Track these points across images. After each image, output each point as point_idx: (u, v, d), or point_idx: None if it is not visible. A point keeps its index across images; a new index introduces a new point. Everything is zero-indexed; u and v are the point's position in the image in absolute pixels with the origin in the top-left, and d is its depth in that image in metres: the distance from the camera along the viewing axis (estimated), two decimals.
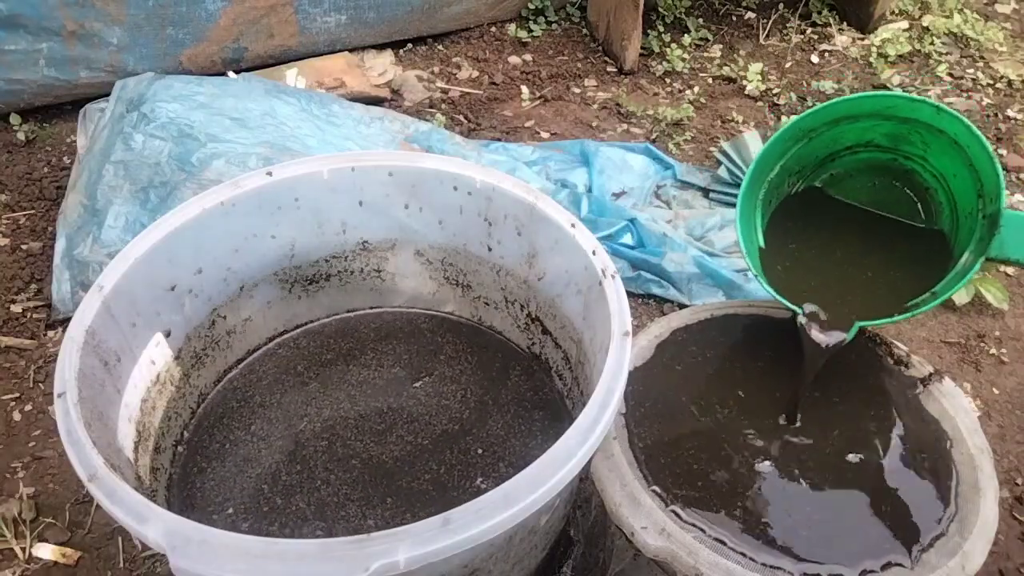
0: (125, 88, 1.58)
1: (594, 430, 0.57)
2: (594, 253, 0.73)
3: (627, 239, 1.58)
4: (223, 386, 0.87)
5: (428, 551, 0.49)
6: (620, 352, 0.63)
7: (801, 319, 0.78)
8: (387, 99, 2.02)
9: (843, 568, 0.68)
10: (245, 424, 0.83)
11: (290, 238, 0.87)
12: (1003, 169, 1.56)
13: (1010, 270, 1.65)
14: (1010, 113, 2.12)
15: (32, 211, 1.67)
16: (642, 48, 2.24)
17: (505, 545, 0.63)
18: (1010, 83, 2.24)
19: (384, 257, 0.93)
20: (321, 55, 2.11)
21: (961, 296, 1.53)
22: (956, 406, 0.82)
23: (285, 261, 0.88)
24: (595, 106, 2.08)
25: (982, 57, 2.37)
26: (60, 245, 1.43)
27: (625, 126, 2.01)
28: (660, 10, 2.39)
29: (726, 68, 2.24)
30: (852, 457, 0.77)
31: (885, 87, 2.22)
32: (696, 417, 0.81)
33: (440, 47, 2.26)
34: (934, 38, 2.42)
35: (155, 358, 0.76)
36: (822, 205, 0.85)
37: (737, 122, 2.06)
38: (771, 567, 0.68)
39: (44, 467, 1.22)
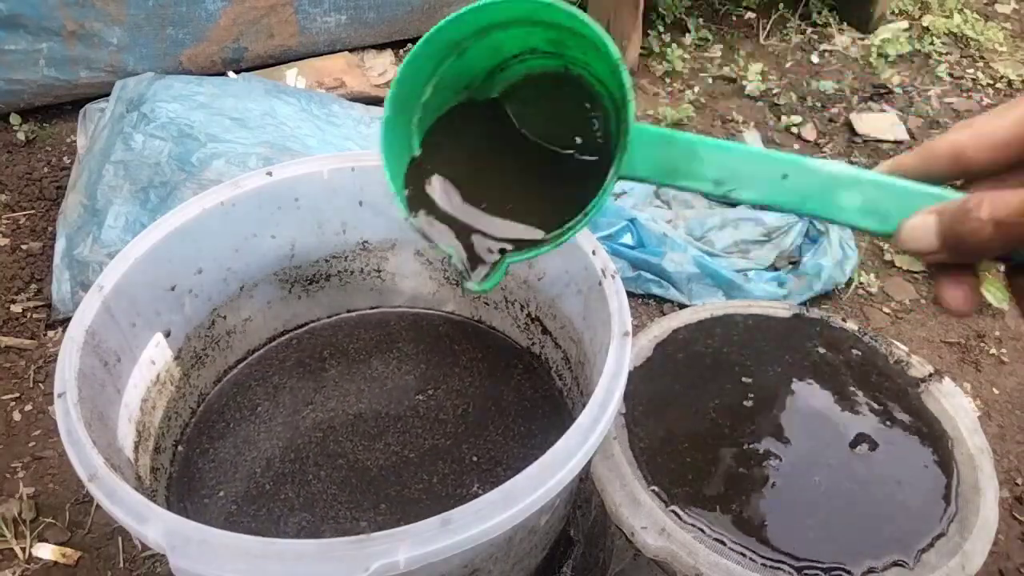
0: (125, 88, 1.58)
1: (594, 430, 0.57)
2: (594, 253, 0.73)
3: (627, 239, 1.58)
4: (223, 386, 0.87)
5: (428, 551, 0.49)
6: (620, 352, 0.63)
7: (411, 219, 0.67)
8: None
9: (843, 567, 0.68)
10: (245, 424, 0.83)
11: (290, 238, 0.87)
12: None
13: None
14: None
15: (32, 211, 1.68)
16: (642, 48, 2.24)
17: (505, 545, 0.63)
18: (1010, 83, 2.25)
19: (384, 257, 0.93)
20: (321, 55, 2.11)
21: None
22: (956, 406, 0.82)
23: (285, 261, 0.88)
24: None
25: (982, 57, 2.37)
26: (60, 245, 1.44)
27: None
28: (660, 10, 2.39)
29: (726, 68, 2.24)
30: (852, 457, 0.77)
31: (885, 87, 2.22)
32: (696, 417, 0.81)
33: None
34: (934, 38, 2.43)
35: (155, 358, 0.76)
36: (487, 119, 0.71)
37: (737, 122, 2.06)
38: (771, 567, 0.68)
39: (44, 467, 1.22)
